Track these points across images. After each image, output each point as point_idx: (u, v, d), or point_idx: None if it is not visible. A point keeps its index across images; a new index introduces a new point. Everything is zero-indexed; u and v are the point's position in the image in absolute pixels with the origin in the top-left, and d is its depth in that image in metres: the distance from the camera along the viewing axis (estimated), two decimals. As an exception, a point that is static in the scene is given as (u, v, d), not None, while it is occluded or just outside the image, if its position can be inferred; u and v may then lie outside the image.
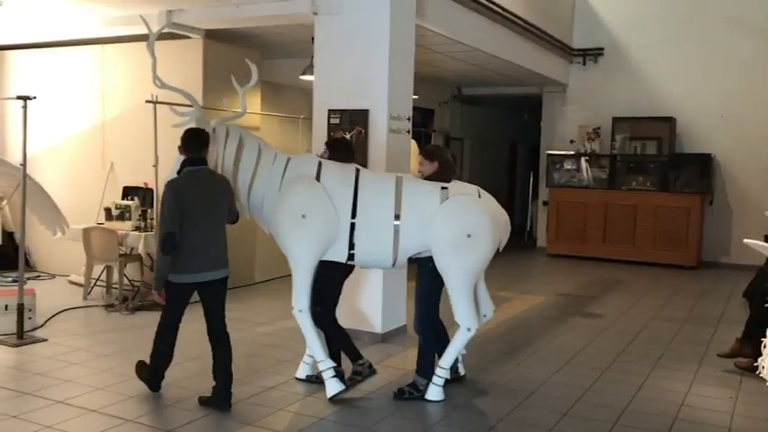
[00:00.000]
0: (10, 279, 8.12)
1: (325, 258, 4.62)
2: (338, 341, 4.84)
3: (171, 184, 4.38)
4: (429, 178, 4.69)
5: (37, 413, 4.21)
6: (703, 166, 10.95)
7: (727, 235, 11.17)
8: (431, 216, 4.49)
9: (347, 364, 4.84)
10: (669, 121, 11.29)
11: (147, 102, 7.04)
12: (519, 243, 13.40)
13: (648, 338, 6.51)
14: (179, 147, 4.55)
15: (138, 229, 7.27)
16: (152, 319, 6.56)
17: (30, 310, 6.01)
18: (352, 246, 4.58)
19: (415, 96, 6.55)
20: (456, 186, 4.66)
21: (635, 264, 10.97)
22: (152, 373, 4.63)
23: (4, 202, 6.97)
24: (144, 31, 7.61)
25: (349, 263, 4.68)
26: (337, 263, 4.65)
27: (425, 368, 4.69)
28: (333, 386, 4.53)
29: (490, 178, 15.76)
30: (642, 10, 11.74)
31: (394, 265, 4.64)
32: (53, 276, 8.55)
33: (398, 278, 6.34)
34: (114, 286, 7.47)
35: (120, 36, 7.93)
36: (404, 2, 6.15)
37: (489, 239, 4.56)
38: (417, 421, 4.28)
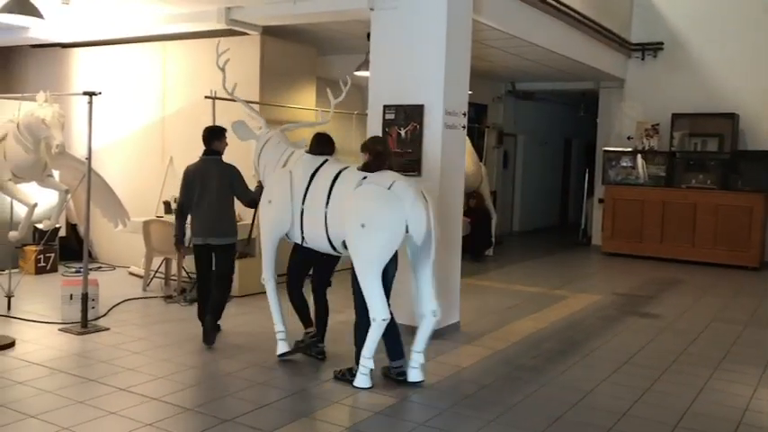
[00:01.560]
0: (74, 270, 8.40)
1: (290, 240, 5.19)
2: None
3: (185, 169, 5.79)
4: (363, 169, 4.82)
5: (101, 399, 4.34)
6: (767, 163, 10.59)
7: (792, 235, 10.78)
8: (346, 205, 4.71)
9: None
10: (731, 117, 10.95)
11: (206, 97, 7.18)
12: (573, 241, 13.22)
13: (709, 340, 6.34)
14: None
15: (195, 222, 7.42)
16: (209, 311, 6.71)
17: (93, 300, 6.20)
18: (303, 230, 5.00)
19: (469, 92, 6.51)
20: (376, 176, 4.71)
21: (694, 264, 10.69)
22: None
23: (69, 195, 7.20)
24: (203, 27, 7.80)
25: (304, 245, 5.10)
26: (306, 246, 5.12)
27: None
28: (281, 347, 5.27)
29: (544, 175, 15.62)
30: (703, 3, 11.43)
31: (335, 249, 4.92)
32: (114, 268, 8.80)
33: (452, 274, 6.32)
34: (172, 278, 7.64)
35: (181, 33, 8.09)
36: (461, -3, 6.11)
37: (383, 230, 4.54)
38: (473, 418, 4.26)
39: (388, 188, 4.58)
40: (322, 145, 5.18)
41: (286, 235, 5.16)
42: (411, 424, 4.16)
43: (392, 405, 4.44)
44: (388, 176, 4.67)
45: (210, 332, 5.57)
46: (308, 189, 4.95)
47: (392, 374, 4.85)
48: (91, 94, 6.03)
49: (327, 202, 4.81)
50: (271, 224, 5.20)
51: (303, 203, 4.95)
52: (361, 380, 4.69)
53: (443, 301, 6.13)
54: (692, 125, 11.25)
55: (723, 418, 4.41)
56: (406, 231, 4.57)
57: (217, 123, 7.08)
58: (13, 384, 4.57)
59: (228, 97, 7.27)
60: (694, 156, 11.26)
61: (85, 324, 5.93)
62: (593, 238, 12.78)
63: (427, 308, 4.77)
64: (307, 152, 5.20)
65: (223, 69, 5.73)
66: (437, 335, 6.03)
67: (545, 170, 15.72)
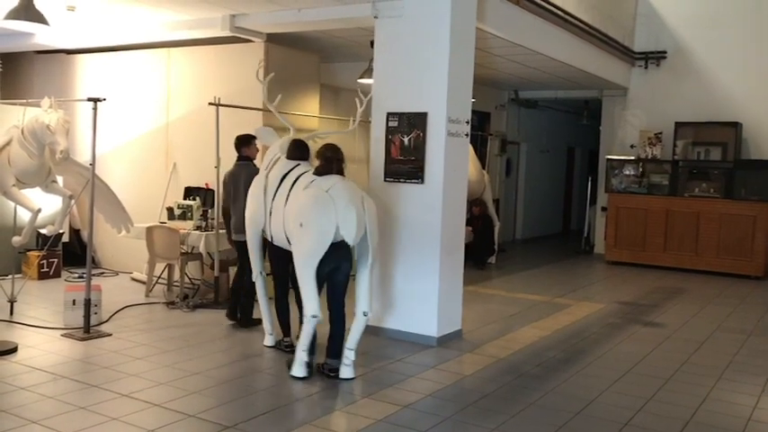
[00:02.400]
0: (77, 275, 8.41)
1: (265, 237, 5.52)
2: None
3: (225, 174, 6.44)
4: (314, 173, 5.10)
5: (103, 405, 4.34)
6: (771, 172, 10.58)
7: (795, 244, 10.75)
8: (293, 205, 5.05)
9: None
10: (735, 126, 10.95)
11: (209, 104, 7.20)
12: (576, 249, 13.20)
13: (712, 349, 6.32)
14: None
15: (198, 228, 7.44)
16: (212, 317, 6.73)
17: (96, 306, 6.20)
18: (271, 227, 5.32)
19: (473, 99, 6.52)
20: (322, 180, 4.98)
21: (697, 273, 10.67)
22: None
23: (73, 201, 7.21)
24: (207, 34, 7.84)
25: (274, 242, 5.38)
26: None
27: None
28: (267, 339, 5.79)
29: (547, 183, 15.62)
30: (706, 13, 11.44)
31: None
32: (116, 273, 8.81)
33: (454, 282, 6.32)
34: (175, 284, 7.65)
35: (186, 39, 8.13)
36: (465, 5, 6.13)
37: (315, 231, 4.78)
38: (476, 427, 4.25)
39: (326, 191, 4.84)
40: (298, 150, 5.45)
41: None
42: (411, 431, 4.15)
43: (394, 413, 4.43)
44: (331, 180, 4.95)
45: (244, 317, 6.32)
46: (277, 190, 5.27)
47: (324, 371, 5.04)
48: (95, 100, 6.05)
49: (286, 203, 5.11)
50: (248, 221, 5.60)
51: (272, 203, 5.28)
52: (296, 369, 4.98)
53: (445, 308, 6.17)
54: (695, 134, 11.25)
55: (726, 429, 4.39)
56: (338, 232, 4.78)
57: (219, 130, 7.15)
58: (16, 390, 4.57)
59: (232, 104, 7.34)
60: (697, 164, 11.25)
61: (88, 330, 5.93)
62: (596, 247, 12.77)
63: (359, 308, 5.01)
64: (286, 157, 5.46)
65: (264, 82, 6.01)
66: (440, 342, 6.05)
67: (548, 178, 15.73)
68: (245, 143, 6.46)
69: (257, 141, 6.40)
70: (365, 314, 5.00)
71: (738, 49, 11.15)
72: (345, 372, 5.01)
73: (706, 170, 11.18)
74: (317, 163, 5.14)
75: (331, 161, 5.04)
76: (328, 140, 5.62)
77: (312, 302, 4.79)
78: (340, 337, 5.06)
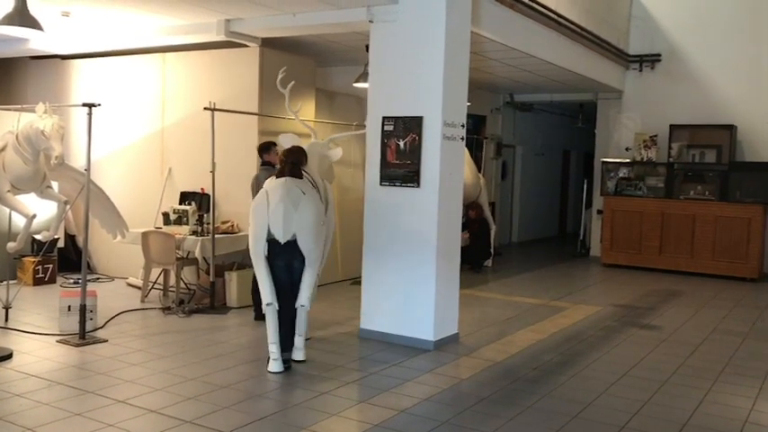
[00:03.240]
0: (72, 281, 8.38)
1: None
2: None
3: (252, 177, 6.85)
4: (276, 175, 5.47)
5: (99, 412, 4.32)
6: (765, 174, 10.60)
7: (790, 246, 10.79)
8: None
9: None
10: (729, 128, 10.98)
11: (204, 109, 7.19)
12: (572, 252, 13.22)
13: (709, 352, 6.33)
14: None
15: (194, 233, 7.43)
16: (208, 322, 6.72)
17: (91, 312, 6.18)
18: None
19: (468, 103, 6.53)
20: (272, 182, 5.37)
21: (693, 275, 10.69)
22: None
23: (68, 206, 7.19)
24: (202, 39, 7.84)
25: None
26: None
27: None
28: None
29: (542, 186, 15.64)
30: (701, 15, 11.47)
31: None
32: (112, 279, 8.79)
33: (451, 285, 6.32)
34: (171, 289, 7.63)
35: (181, 45, 8.12)
36: (459, 9, 6.14)
37: (252, 226, 5.32)
38: (474, 431, 4.25)
39: (266, 191, 5.27)
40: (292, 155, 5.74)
41: None
42: (410, 436, 4.14)
43: (390, 418, 4.42)
44: (277, 183, 5.29)
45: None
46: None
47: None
48: (90, 105, 6.04)
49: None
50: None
51: None
52: (272, 365, 5.26)
53: (442, 313, 6.16)
54: (690, 136, 11.28)
55: (723, 431, 4.39)
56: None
57: (215, 135, 7.14)
58: (11, 396, 4.55)
59: (227, 109, 7.34)
60: (693, 167, 11.28)
61: (83, 335, 5.92)
62: (592, 249, 12.79)
63: (298, 302, 5.40)
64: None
65: (285, 90, 6.34)
66: (437, 346, 6.04)
67: (544, 181, 15.75)
68: (264, 150, 6.93)
69: (277, 147, 6.71)
70: (303, 306, 5.41)
71: (733, 51, 11.19)
72: (296, 354, 5.47)
73: (701, 173, 11.20)
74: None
75: (284, 164, 5.46)
76: (342, 142, 6.20)
77: (268, 292, 5.24)
78: (286, 333, 5.35)
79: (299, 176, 5.42)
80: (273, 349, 5.25)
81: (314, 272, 5.43)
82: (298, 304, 5.39)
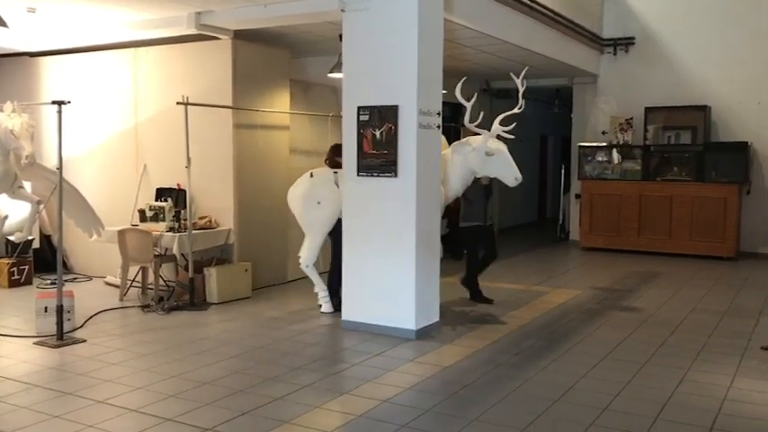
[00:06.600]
0: (49, 282, 8.27)
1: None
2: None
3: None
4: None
5: (78, 413, 4.27)
6: (740, 154, 10.72)
7: (765, 225, 10.94)
8: None
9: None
10: (704, 109, 11.08)
11: (177, 103, 7.10)
12: (552, 237, 13.28)
13: (688, 331, 6.39)
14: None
15: (171, 230, 7.35)
16: (187, 319, 6.67)
17: (69, 312, 6.10)
18: None
19: (444, 91, 6.51)
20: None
21: (671, 256, 10.80)
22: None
23: (42, 206, 7.09)
24: (173, 33, 7.73)
25: None
26: None
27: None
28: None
29: (521, 171, 15.61)
30: (673, -2, 11.53)
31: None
32: (90, 278, 8.68)
33: (432, 274, 6.32)
34: (150, 287, 7.56)
35: (151, 39, 8.01)
36: (432, -4, 6.11)
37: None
38: (456, 418, 4.25)
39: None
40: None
41: None
42: (394, 426, 4.13)
43: (374, 407, 4.41)
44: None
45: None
46: None
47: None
48: (60, 103, 5.94)
49: None
50: None
51: None
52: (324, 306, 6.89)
53: (423, 301, 6.16)
54: (665, 118, 11.36)
55: (703, 408, 4.44)
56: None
57: (189, 130, 7.07)
58: (-12, 401, 4.48)
59: (201, 103, 7.25)
60: (668, 149, 11.37)
61: (61, 336, 5.84)
62: (572, 234, 12.86)
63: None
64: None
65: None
66: (418, 335, 6.04)
67: (522, 167, 15.52)
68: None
69: None
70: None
71: (705, 33, 11.27)
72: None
73: (677, 154, 11.30)
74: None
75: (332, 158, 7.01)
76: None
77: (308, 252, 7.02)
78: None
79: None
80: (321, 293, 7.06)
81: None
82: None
